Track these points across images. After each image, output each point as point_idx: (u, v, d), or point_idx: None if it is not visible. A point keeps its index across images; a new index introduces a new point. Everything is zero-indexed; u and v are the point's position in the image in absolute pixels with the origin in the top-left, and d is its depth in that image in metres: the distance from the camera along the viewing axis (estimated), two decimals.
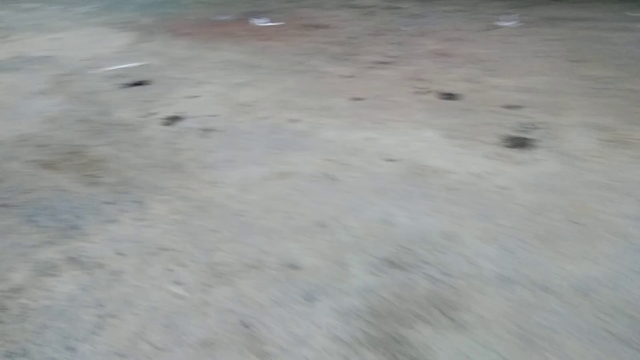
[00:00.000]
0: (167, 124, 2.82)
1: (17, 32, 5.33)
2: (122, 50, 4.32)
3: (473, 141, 2.52)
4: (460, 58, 3.84)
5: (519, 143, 2.47)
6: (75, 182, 2.24)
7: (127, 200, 2.07)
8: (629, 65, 3.53)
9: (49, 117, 2.98)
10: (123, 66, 3.87)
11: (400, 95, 3.14)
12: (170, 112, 2.97)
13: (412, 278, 1.60)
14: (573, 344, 1.33)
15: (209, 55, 4.06)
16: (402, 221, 1.88)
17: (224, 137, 2.66)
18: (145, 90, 3.35)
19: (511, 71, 3.53)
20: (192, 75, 3.61)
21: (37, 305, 1.53)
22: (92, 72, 3.77)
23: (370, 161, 2.35)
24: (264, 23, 5.02)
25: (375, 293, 1.54)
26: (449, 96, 3.10)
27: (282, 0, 6.14)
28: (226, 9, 5.75)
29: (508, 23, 4.82)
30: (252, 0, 6.18)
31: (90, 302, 1.53)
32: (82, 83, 3.57)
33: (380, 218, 1.91)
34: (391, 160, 2.35)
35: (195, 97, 3.21)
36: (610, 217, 1.87)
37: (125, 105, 3.11)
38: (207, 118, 2.88)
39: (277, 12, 5.47)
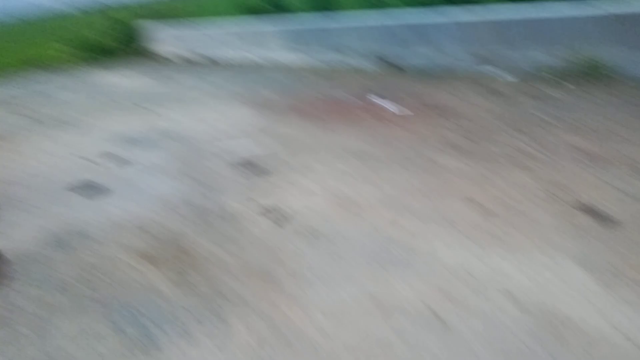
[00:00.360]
0: (274, 222, 2.72)
1: (161, 105, 5.94)
2: (248, 130, 4.50)
3: (634, 289, 1.95)
4: (619, 164, 3.19)
5: None
6: (167, 283, 2.19)
7: (213, 317, 1.94)
8: None
9: (163, 200, 3.10)
10: (245, 149, 3.98)
11: (536, 209, 2.66)
12: (280, 208, 2.88)
13: None
14: None
15: (327, 141, 4.00)
16: None
17: (327, 244, 2.46)
18: (261, 179, 3.35)
19: None
20: (307, 164, 3.55)
21: None
22: (214, 153, 3.93)
23: (492, 302, 1.93)
24: (386, 105, 4.89)
25: None
26: (602, 216, 2.53)
27: (410, 80, 6.01)
28: (352, 88, 5.79)
29: None
30: (378, 80, 6.17)
31: None
32: (202, 164, 3.72)
33: None
34: (519, 303, 1.91)
35: (306, 191, 3.09)
36: None
37: (238, 194, 3.11)
38: (314, 219, 2.72)
39: (402, 93, 5.33)
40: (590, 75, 5.30)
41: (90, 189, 3.38)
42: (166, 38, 10.73)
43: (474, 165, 3.30)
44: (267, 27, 8.64)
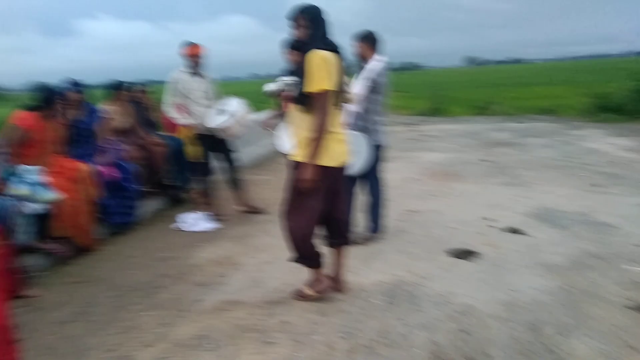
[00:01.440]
0: None
1: (613, 182, 4.96)
2: None
3: None
4: None
5: None
6: None
7: None
8: None
9: (508, 300, 2.63)
10: None
11: None
12: None
13: None
14: None
15: None
16: None
17: None
18: None
19: None
20: None
21: None
22: (617, 268, 2.97)
23: None
24: None
25: None
26: None
27: None
28: None
29: None
30: None
31: None
32: (595, 274, 2.89)
33: None
34: None
35: None
36: None
37: (599, 334, 2.27)
38: None
39: None
40: None
41: (461, 255, 3.28)
42: None
43: None
44: None
